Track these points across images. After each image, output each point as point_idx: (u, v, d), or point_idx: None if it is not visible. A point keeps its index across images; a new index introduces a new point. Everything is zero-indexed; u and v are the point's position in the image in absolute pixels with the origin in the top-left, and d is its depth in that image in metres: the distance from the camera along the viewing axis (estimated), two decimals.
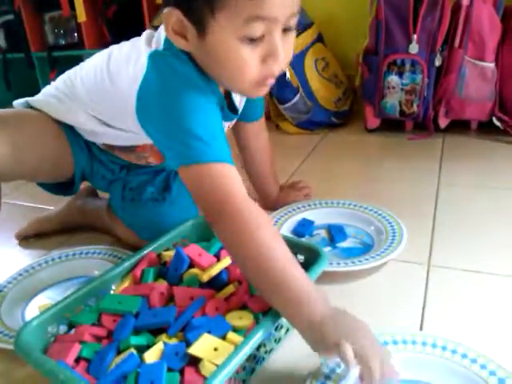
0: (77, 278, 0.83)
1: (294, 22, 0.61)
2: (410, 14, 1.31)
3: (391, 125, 1.50)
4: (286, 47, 0.62)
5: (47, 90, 0.87)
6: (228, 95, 0.78)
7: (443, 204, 1.02)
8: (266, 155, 1.00)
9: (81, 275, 0.83)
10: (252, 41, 0.59)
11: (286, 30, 0.61)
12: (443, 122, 1.42)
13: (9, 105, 0.88)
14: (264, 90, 0.67)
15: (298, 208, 0.98)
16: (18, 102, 0.87)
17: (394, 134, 1.48)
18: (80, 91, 0.80)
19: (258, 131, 0.97)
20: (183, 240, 0.78)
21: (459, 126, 1.43)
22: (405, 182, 1.14)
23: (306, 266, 0.66)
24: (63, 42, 2.09)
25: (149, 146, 0.83)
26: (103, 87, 0.76)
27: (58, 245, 0.97)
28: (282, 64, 0.62)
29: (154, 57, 0.68)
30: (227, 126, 0.86)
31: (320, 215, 0.96)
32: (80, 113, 0.82)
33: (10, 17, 2.07)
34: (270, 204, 1.03)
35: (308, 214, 0.96)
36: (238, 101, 0.82)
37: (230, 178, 0.62)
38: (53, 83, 0.87)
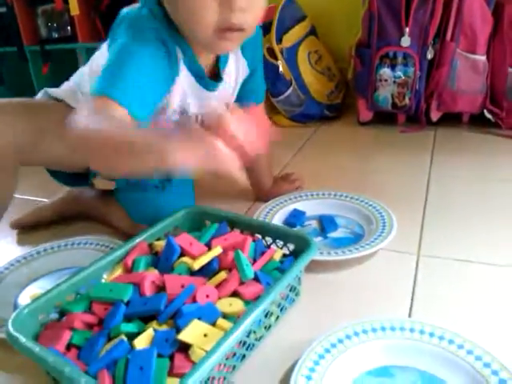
0: (69, 268, 0.83)
1: None
2: (402, 7, 1.32)
3: (384, 118, 1.51)
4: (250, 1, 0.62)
5: (65, 84, 0.90)
6: (216, 64, 0.79)
7: (433, 195, 1.03)
8: None
9: (73, 265, 0.83)
10: None
11: None
12: (435, 115, 1.43)
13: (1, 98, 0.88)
14: (225, 45, 0.68)
15: (290, 199, 0.99)
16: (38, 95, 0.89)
17: (387, 126, 1.49)
18: (86, 82, 0.83)
19: None
20: (175, 229, 0.79)
21: (451, 119, 1.44)
22: (396, 174, 1.15)
23: (296, 254, 0.66)
24: (56, 36, 2.07)
25: None
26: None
27: (52, 235, 0.97)
28: (244, 17, 0.63)
29: (124, 12, 0.72)
30: (222, 98, 0.85)
31: (311, 206, 0.97)
32: None
33: (3, 10, 2.05)
34: (263, 195, 1.04)
35: (299, 205, 0.97)
36: (234, 75, 0.83)
37: (122, 115, 0.61)
38: (71, 78, 0.90)
